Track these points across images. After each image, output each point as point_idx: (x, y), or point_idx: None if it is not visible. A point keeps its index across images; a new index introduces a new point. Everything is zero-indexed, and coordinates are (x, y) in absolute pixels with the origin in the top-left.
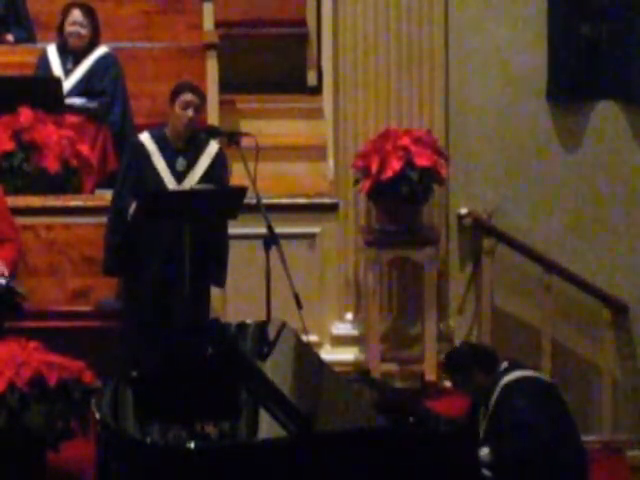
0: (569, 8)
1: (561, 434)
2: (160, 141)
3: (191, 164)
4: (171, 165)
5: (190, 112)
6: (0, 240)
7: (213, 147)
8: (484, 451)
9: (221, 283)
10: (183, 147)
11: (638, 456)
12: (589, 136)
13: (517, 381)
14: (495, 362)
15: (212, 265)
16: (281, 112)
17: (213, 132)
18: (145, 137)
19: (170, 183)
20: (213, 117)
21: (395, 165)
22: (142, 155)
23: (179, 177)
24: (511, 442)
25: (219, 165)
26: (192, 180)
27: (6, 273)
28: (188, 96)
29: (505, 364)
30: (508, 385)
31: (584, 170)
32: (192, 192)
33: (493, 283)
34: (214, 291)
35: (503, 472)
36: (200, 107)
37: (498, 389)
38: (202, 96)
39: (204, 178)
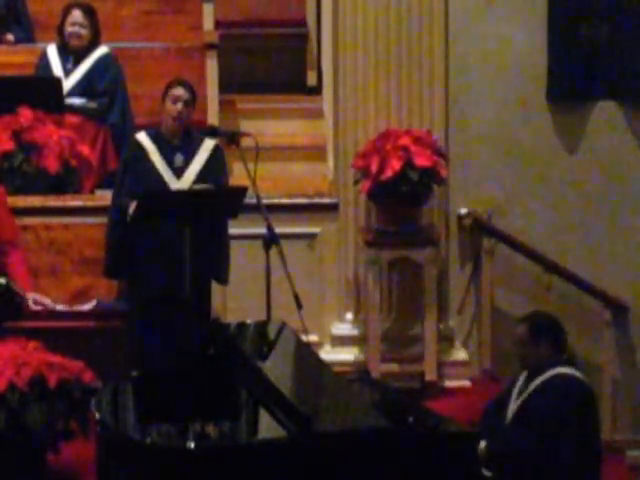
0: (569, 8)
1: (581, 443)
2: (156, 139)
3: (188, 160)
4: (169, 161)
5: (179, 106)
6: (10, 243)
7: (209, 143)
8: (480, 445)
9: (224, 281)
10: (179, 143)
11: (638, 456)
12: (589, 136)
13: (563, 378)
14: (563, 349)
15: (214, 263)
16: (281, 112)
17: (213, 132)
18: (142, 136)
19: (169, 179)
20: (213, 117)
21: (395, 165)
22: (140, 153)
23: (177, 173)
24: (525, 438)
25: (217, 161)
26: (190, 176)
27: (47, 301)
28: (178, 90)
29: (565, 355)
30: (551, 380)
31: (584, 170)
32: (192, 192)
33: (493, 283)
34: (214, 291)
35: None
36: (190, 102)
37: (544, 377)
38: (192, 91)
39: (202, 173)
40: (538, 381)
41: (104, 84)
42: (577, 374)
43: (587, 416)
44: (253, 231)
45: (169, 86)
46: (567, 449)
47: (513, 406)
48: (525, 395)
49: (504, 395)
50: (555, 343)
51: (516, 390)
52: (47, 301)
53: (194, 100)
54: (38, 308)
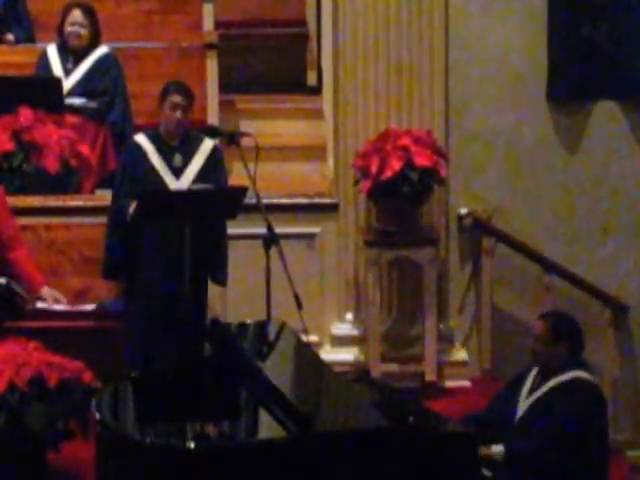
0: (569, 8)
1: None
2: (155, 140)
3: (187, 160)
4: (168, 161)
5: (178, 114)
6: (14, 239)
7: (208, 144)
8: (498, 448)
9: (223, 282)
10: (178, 144)
11: (638, 456)
12: (589, 136)
13: (581, 384)
14: (580, 351)
15: (213, 264)
16: (281, 112)
17: (213, 132)
18: (140, 137)
19: (168, 179)
20: (213, 117)
21: (395, 165)
22: (139, 154)
23: (176, 173)
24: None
25: (215, 161)
26: (189, 175)
27: (64, 300)
28: (176, 98)
29: (581, 359)
30: (569, 384)
31: (584, 170)
32: (192, 192)
33: (493, 283)
34: (214, 291)
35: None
36: (188, 107)
37: (561, 379)
38: (190, 96)
39: (201, 173)
40: (555, 382)
41: (104, 84)
42: (592, 380)
43: (601, 423)
44: (253, 231)
45: (166, 91)
46: (584, 455)
47: (524, 404)
48: (539, 394)
49: (509, 390)
50: (573, 346)
51: (526, 388)
52: (60, 296)
53: (192, 103)
54: (48, 303)
